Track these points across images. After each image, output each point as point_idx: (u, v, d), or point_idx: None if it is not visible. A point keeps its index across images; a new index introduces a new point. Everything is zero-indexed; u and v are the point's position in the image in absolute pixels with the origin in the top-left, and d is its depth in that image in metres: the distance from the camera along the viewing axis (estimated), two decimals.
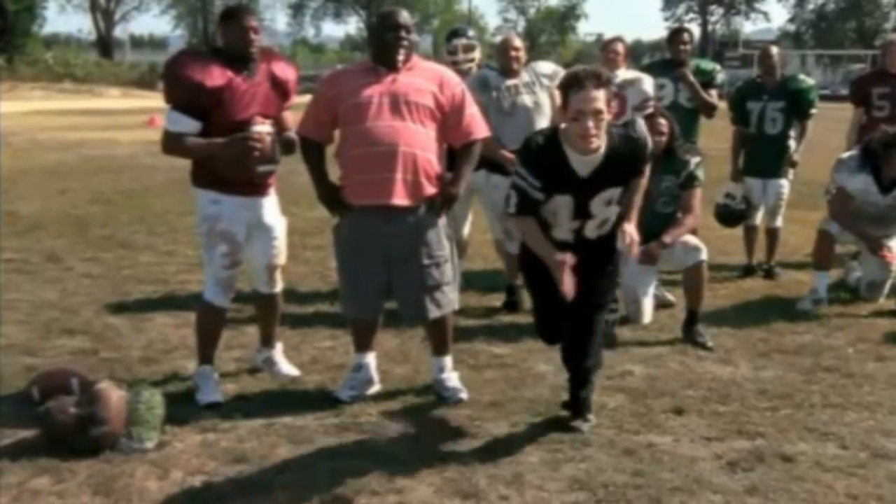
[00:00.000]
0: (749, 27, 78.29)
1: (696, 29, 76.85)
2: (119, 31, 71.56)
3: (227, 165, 3.81)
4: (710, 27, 77.01)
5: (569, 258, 3.31)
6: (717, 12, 77.90)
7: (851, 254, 6.15)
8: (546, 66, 5.48)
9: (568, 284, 3.29)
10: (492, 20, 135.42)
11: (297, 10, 75.63)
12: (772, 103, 6.25)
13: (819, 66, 70.27)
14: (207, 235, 3.93)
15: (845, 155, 5.63)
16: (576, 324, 3.54)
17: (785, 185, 6.44)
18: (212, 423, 3.64)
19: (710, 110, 6.32)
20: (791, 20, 75.05)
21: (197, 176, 3.98)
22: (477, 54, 5.70)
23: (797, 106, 6.28)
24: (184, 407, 3.75)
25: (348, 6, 74.49)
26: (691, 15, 77.53)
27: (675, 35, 6.35)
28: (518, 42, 5.50)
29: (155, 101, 45.56)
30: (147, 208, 9.56)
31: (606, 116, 3.20)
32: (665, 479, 3.17)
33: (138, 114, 29.30)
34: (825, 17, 72.50)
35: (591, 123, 3.16)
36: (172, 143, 3.82)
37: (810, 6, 74.18)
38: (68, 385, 3.68)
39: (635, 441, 3.50)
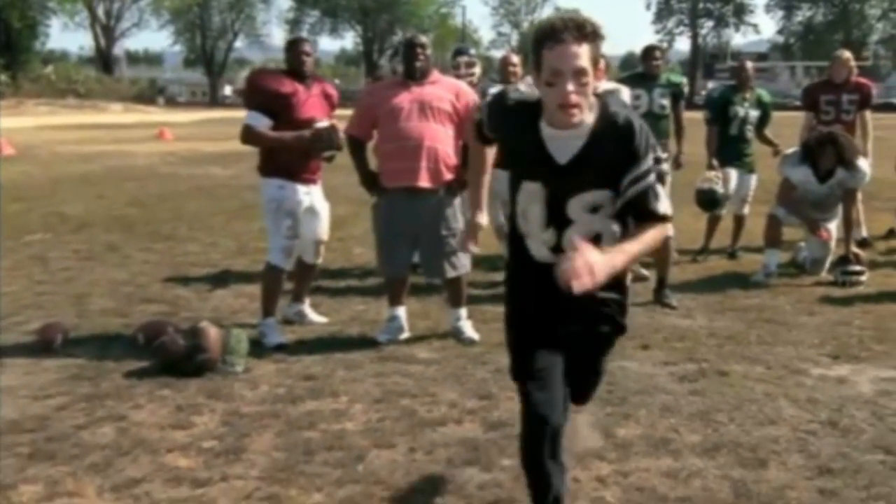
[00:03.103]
0: (739, 39, 79.78)
1: (686, 41, 78.44)
2: (115, 48, 72.63)
3: (296, 154, 4.90)
4: (700, 40, 78.47)
5: None
6: (707, 25, 79.40)
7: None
8: None
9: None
10: (486, 34, 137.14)
11: (294, 25, 76.84)
12: (752, 111, 7.35)
13: (807, 77, 71.66)
14: (275, 212, 5.01)
15: (789, 151, 6.72)
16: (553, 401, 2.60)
17: (755, 179, 7.53)
18: (282, 357, 4.70)
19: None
20: (780, 32, 76.48)
21: (265, 167, 5.07)
22: (477, 69, 6.78)
23: (763, 115, 7.39)
24: (256, 349, 4.79)
25: (345, 21, 75.85)
26: (682, 28, 79.08)
27: (648, 52, 7.41)
28: (515, 59, 6.62)
29: (158, 115, 46.54)
30: (181, 209, 10.62)
31: (591, 81, 2.36)
32: (630, 386, 4.22)
33: (145, 127, 30.32)
34: (813, 29, 73.90)
35: (570, 86, 2.33)
36: (251, 135, 4.94)
37: (798, 18, 75.60)
38: (166, 331, 4.74)
39: (610, 365, 4.53)
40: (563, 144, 2.45)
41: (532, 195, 2.54)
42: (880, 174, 9.54)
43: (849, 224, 6.66)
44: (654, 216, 2.47)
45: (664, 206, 2.49)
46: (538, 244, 2.59)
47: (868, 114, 7.83)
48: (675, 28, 78.91)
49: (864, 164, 6.56)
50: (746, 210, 7.55)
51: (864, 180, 6.61)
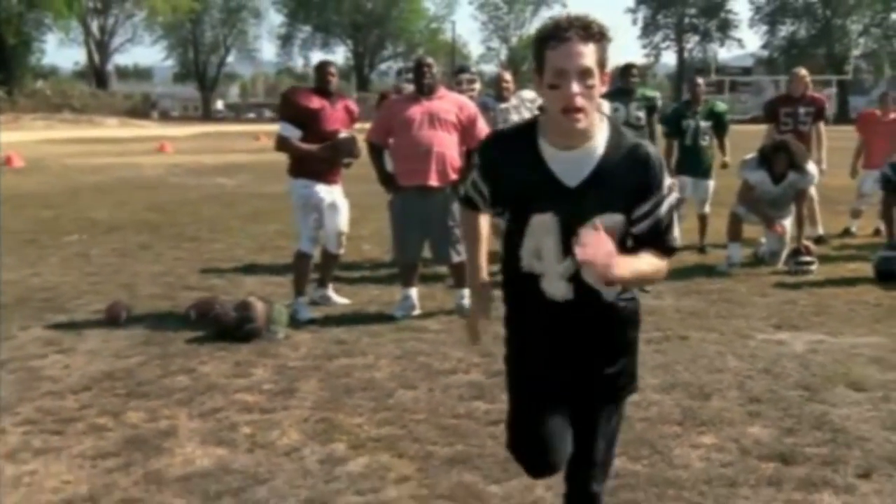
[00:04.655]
0: (724, 53, 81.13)
1: (672, 56, 79.82)
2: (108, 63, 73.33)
3: (320, 161, 5.80)
4: (686, 54, 79.86)
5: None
6: (692, 40, 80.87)
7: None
8: (529, 93, 7.50)
9: (474, 332, 2.56)
10: (475, 48, 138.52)
11: (285, 40, 77.84)
12: (703, 122, 8.27)
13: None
14: (303, 208, 5.90)
15: (748, 156, 7.65)
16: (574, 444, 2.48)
17: (712, 183, 8.45)
18: (315, 328, 5.59)
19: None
20: (764, 46, 77.83)
21: (294, 169, 5.96)
22: (477, 85, 7.71)
23: (718, 125, 8.33)
24: (292, 322, 5.67)
25: (336, 36, 76.87)
26: (668, 43, 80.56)
27: (626, 70, 8.33)
28: (508, 76, 7.56)
29: (154, 129, 47.07)
30: (198, 214, 11.49)
31: (598, 85, 2.21)
32: None
33: (145, 141, 31.14)
34: (796, 43, 75.23)
35: (575, 87, 2.17)
36: (284, 144, 5.83)
37: (782, 33, 76.97)
38: (214, 307, 5.62)
39: None
40: (570, 166, 2.27)
41: (544, 228, 2.32)
42: (844, 182, 10.55)
43: (800, 221, 7.59)
44: (664, 247, 2.33)
45: (675, 237, 2.36)
46: (555, 280, 2.37)
47: (822, 125, 8.76)
48: (662, 43, 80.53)
49: (812, 167, 7.50)
50: (708, 209, 8.46)
51: (812, 182, 7.57)
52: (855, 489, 3.24)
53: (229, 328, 5.25)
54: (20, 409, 4.09)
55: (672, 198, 2.32)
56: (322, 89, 5.90)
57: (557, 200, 2.26)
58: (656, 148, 2.36)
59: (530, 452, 2.46)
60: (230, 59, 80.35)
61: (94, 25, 68.33)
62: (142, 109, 65.60)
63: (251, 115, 76.33)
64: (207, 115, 71.03)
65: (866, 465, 3.43)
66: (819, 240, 8.81)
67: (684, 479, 3.33)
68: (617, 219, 2.26)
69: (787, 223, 7.65)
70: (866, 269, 7.35)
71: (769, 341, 5.28)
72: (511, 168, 2.32)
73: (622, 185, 2.25)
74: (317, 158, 5.83)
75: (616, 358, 2.46)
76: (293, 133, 5.82)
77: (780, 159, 7.33)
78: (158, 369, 4.73)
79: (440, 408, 4.12)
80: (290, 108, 5.88)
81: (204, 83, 77.00)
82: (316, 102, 5.82)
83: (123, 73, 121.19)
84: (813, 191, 8.58)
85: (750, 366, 4.76)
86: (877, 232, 9.61)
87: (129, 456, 3.55)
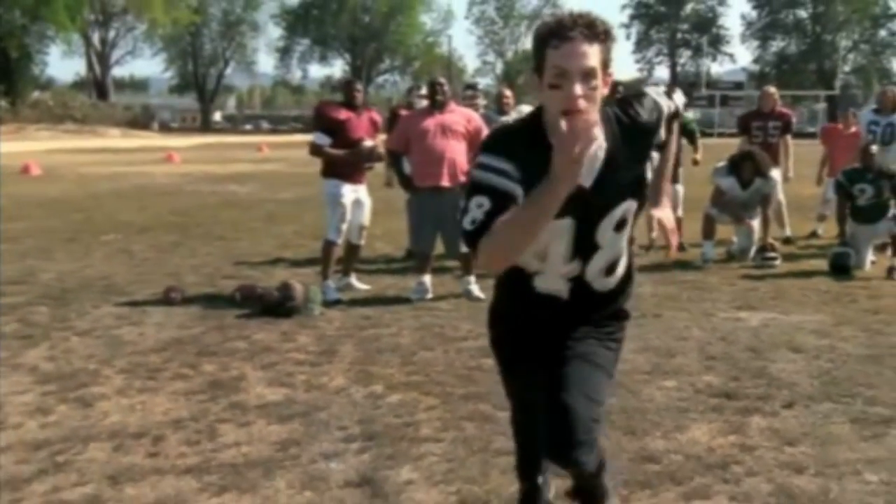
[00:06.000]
0: (717, 68, 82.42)
1: (665, 70, 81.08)
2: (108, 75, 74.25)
3: (346, 164, 6.77)
4: (679, 68, 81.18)
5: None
6: (685, 54, 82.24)
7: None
8: (527, 108, 8.46)
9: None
10: (471, 62, 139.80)
11: (283, 53, 78.93)
12: None
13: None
14: (331, 203, 6.87)
15: (719, 164, 8.64)
16: (557, 405, 2.40)
17: (680, 187, 9.36)
18: (343, 307, 6.54)
19: None
20: (755, 62, 79.14)
21: (326, 171, 6.93)
22: (482, 101, 8.70)
23: (685, 131, 9.28)
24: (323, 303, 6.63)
25: (334, 49, 78.01)
26: (661, 57, 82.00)
27: (612, 86, 9.28)
28: (508, 92, 8.57)
29: (157, 140, 47.89)
30: (219, 217, 12.43)
31: (601, 87, 2.13)
32: None
33: (150, 151, 32.07)
34: (787, 59, 76.61)
35: (578, 89, 2.07)
36: (317, 150, 6.80)
37: (773, 49, 78.33)
38: (256, 290, 6.56)
39: None
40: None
41: (556, 233, 2.23)
42: (814, 191, 11.52)
43: (766, 222, 8.57)
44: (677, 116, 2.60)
45: (677, 100, 2.60)
46: (552, 278, 2.34)
47: (789, 138, 9.73)
48: (655, 57, 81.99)
49: (776, 174, 8.50)
50: (680, 212, 9.36)
51: (776, 187, 8.57)
52: (779, 414, 4.20)
53: (273, 306, 6.20)
54: (115, 363, 5.04)
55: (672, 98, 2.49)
56: (348, 103, 6.87)
57: (574, 204, 2.14)
58: (634, 96, 2.43)
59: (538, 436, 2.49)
60: (227, 70, 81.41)
61: (96, 37, 69.46)
62: (142, 120, 66.63)
63: (248, 127, 77.37)
64: (207, 127, 72.00)
65: (790, 400, 4.40)
66: (787, 240, 9.78)
67: (648, 407, 4.29)
68: (630, 205, 2.32)
69: (755, 224, 8.62)
70: (824, 264, 8.32)
71: (729, 318, 6.25)
72: (527, 162, 2.15)
73: (632, 157, 2.26)
74: (343, 162, 6.80)
75: (608, 320, 2.60)
76: (324, 141, 6.79)
77: (746, 167, 8.32)
78: (219, 336, 5.68)
79: (455, 363, 5.07)
80: (321, 120, 6.86)
81: (203, 95, 78.00)
82: (343, 114, 6.79)
83: (120, 84, 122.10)
84: (781, 195, 9.56)
85: (710, 335, 5.73)
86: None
87: (213, 393, 4.50)
